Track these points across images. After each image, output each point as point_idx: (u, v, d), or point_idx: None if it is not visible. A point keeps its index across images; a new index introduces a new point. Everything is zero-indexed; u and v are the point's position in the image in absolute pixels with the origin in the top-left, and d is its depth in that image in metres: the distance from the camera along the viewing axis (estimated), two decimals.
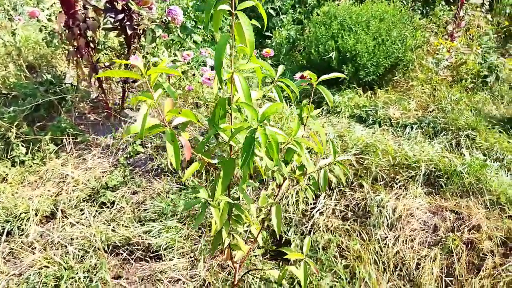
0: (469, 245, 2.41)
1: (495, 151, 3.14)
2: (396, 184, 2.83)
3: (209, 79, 2.55)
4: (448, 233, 2.50)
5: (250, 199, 1.23)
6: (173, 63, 3.26)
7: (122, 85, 3.67)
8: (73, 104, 3.76)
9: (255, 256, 2.44)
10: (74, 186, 3.01)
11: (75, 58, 3.17)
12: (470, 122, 3.51)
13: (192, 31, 3.40)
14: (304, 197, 2.80)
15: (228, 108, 1.18)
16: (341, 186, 2.87)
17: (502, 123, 3.62)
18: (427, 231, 2.59)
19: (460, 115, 3.60)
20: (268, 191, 1.47)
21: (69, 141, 3.45)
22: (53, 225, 2.68)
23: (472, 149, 3.18)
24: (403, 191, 2.80)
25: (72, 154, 3.39)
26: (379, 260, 2.46)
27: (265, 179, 2.82)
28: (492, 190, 2.65)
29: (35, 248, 2.50)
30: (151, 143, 3.43)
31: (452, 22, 4.23)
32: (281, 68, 1.27)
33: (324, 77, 1.31)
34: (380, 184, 2.84)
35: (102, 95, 3.67)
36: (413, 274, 2.39)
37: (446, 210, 2.66)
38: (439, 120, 3.62)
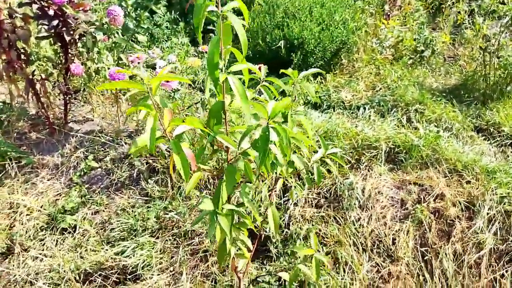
0: (437, 214, 2.56)
1: (443, 121, 3.35)
2: (361, 165, 2.92)
3: (168, 82, 2.42)
4: (416, 205, 2.64)
5: (254, 205, 1.19)
6: (119, 66, 3.06)
7: (63, 97, 3.38)
8: (10, 124, 3.40)
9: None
10: (27, 214, 2.75)
11: (8, 74, 2.86)
12: (416, 96, 3.71)
13: (134, 31, 3.21)
14: (276, 191, 2.79)
15: (223, 113, 1.12)
16: (310, 174, 2.91)
17: (444, 94, 3.87)
18: (396, 206, 2.71)
19: (406, 91, 3.78)
20: (263, 193, 1.43)
21: (12, 166, 3.13)
22: (12, 261, 2.43)
23: (423, 122, 3.36)
24: (369, 171, 2.90)
25: (18, 180, 3.08)
26: (357, 241, 2.54)
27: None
28: (448, 159, 2.82)
29: None
30: (105, 157, 3.21)
31: (388, 1, 4.42)
32: (264, 68, 1.23)
33: (307, 72, 1.29)
34: (347, 168, 2.91)
35: (42, 110, 3.36)
36: (391, 249, 2.49)
37: (410, 184, 2.80)
38: (388, 98, 3.78)
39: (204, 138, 1.09)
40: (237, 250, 1.28)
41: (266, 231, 2.58)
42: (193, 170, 0.99)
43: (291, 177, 1.61)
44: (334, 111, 3.67)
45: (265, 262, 2.46)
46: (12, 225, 2.67)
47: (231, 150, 1.15)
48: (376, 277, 2.40)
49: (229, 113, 1.14)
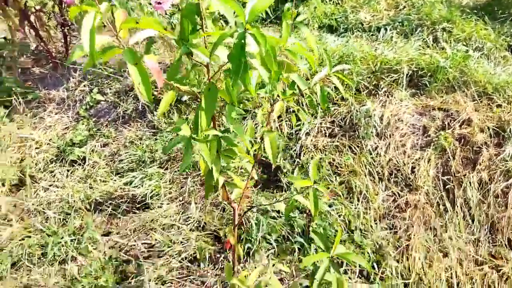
0: (462, 141, 2.38)
1: (474, 41, 3.03)
2: (380, 90, 2.70)
3: (159, 3, 2.19)
4: (439, 132, 2.45)
5: (241, 129, 1.04)
6: None
7: (61, 30, 3.21)
8: (12, 59, 3.29)
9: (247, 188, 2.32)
10: (37, 148, 2.73)
11: (1, 6, 2.69)
12: (443, 14, 3.34)
13: None
14: (287, 121, 2.65)
15: (198, 19, 0.94)
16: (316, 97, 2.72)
17: (475, 11, 3.48)
18: (417, 134, 2.53)
19: (433, 9, 3.41)
20: (258, 117, 1.29)
21: (19, 101, 3.07)
22: (25, 192, 2.44)
23: (451, 42, 3.05)
24: (388, 97, 2.69)
25: (26, 115, 3.04)
26: (373, 170, 2.41)
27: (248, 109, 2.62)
28: (477, 81, 2.57)
29: (11, 220, 2.29)
30: (109, 89, 3.10)
31: None
32: None
33: None
34: (364, 94, 2.70)
35: (42, 44, 3.22)
36: (409, 178, 2.36)
37: (434, 109, 2.58)
38: (412, 17, 3.43)
39: (179, 49, 0.92)
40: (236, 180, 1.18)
41: (275, 161, 2.47)
42: (160, 87, 0.84)
43: (299, 101, 1.44)
44: (352, 34, 3.37)
45: (275, 191, 2.38)
46: (22, 159, 2.66)
47: (212, 67, 0.99)
48: (392, 206, 2.31)
49: (207, 21, 0.95)
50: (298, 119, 2.63)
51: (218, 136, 1.09)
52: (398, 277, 1.98)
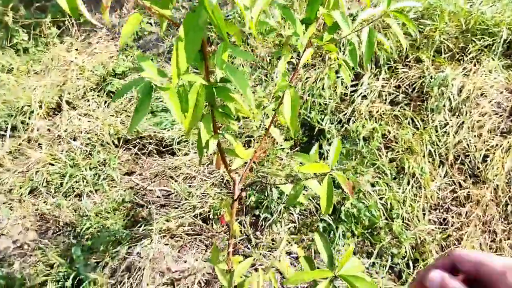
0: None
1: None
2: (466, 56, 2.19)
3: None
4: None
5: (241, 76, 0.74)
6: None
7: None
8: None
9: (282, 149, 2.06)
10: (80, 74, 2.66)
11: None
12: None
13: None
14: (340, 78, 2.26)
15: None
16: (392, 61, 2.28)
17: None
18: (501, 115, 2.04)
19: None
20: (279, 67, 0.98)
21: (72, 23, 3.01)
22: (60, 118, 2.42)
23: None
24: (474, 65, 2.17)
25: (77, 38, 2.98)
26: (435, 151, 2.00)
27: (266, 66, 2.28)
28: None
29: (41, 144, 2.28)
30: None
31: None
32: None
33: None
34: (445, 58, 2.21)
35: None
36: (478, 168, 1.93)
37: None
38: None
39: None
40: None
41: (321, 124, 2.16)
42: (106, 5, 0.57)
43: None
44: None
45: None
46: (64, 83, 2.62)
47: None
48: (449, 198, 1.92)
49: None
50: (355, 78, 2.24)
51: (208, 86, 0.81)
52: None
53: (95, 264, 1.76)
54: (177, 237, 1.81)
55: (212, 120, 0.86)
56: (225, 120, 0.89)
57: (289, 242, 1.66)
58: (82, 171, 2.05)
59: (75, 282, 1.71)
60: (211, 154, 2.08)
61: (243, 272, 1.02)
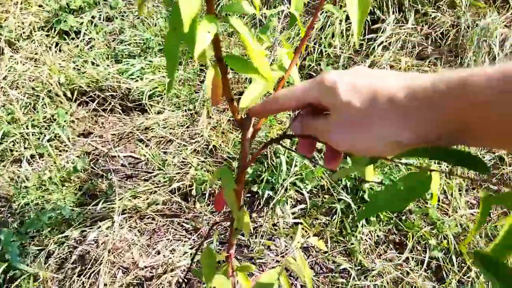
0: None
1: None
2: None
3: None
4: None
5: None
6: None
7: None
8: None
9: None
10: (25, 8, 2.09)
11: None
12: None
13: None
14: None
15: None
16: (419, 3, 1.85)
17: None
18: None
19: None
20: None
21: None
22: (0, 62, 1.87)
23: None
24: None
25: None
26: None
27: None
28: None
29: None
30: None
31: None
32: None
33: None
34: (485, 1, 1.80)
35: None
36: None
37: None
38: None
39: None
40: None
41: None
42: None
43: None
44: None
45: None
46: (6, 19, 2.05)
47: None
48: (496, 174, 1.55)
49: None
50: (372, 23, 1.81)
51: None
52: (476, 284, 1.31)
53: (36, 252, 1.31)
54: (147, 218, 1.37)
55: None
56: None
57: (306, 232, 1.26)
58: (23, 130, 1.55)
59: (7, 277, 1.26)
60: (194, 111, 1.62)
61: None
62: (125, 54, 1.87)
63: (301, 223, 1.32)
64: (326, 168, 0.49)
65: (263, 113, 0.44)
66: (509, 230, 0.30)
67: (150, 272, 1.19)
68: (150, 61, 1.79)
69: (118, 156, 1.55)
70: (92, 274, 1.19)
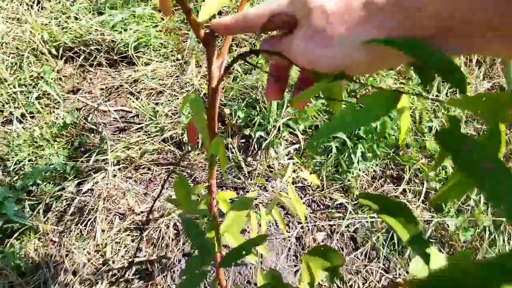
0: None
1: None
2: None
3: None
4: None
5: None
6: None
7: None
8: None
9: None
10: None
11: None
12: None
13: None
14: None
15: None
16: None
17: None
18: None
19: None
20: None
21: None
22: None
23: None
24: None
25: None
26: None
27: None
28: None
29: None
30: None
31: None
32: None
33: None
34: None
35: None
36: None
37: None
38: None
39: None
40: None
41: None
42: None
43: None
44: None
45: None
46: None
47: None
48: None
49: None
50: None
51: None
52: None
53: (34, 206, 1.32)
54: (143, 168, 1.36)
55: None
56: None
57: (298, 167, 1.24)
58: (10, 90, 1.52)
59: (7, 232, 1.27)
60: (183, 61, 1.57)
61: (241, 219, 0.57)
62: (108, 6, 1.80)
63: (294, 161, 1.30)
64: (269, 99, 0.46)
65: (229, 30, 0.40)
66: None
67: (147, 217, 1.20)
68: (133, 12, 1.72)
69: (109, 110, 1.53)
70: (89, 222, 1.20)
